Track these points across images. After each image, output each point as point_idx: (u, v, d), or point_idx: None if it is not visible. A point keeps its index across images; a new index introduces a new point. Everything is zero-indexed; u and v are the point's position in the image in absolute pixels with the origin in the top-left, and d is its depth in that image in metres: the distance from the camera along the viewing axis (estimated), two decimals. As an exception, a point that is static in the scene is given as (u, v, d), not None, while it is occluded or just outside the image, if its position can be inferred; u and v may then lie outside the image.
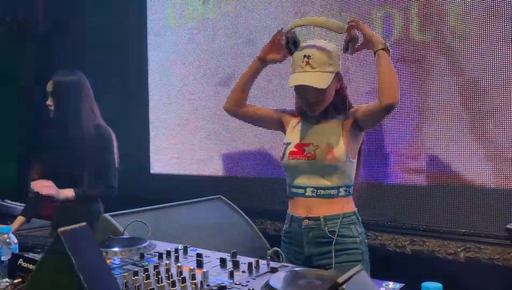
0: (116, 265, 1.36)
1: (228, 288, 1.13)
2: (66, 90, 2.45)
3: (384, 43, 1.71)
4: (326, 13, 2.71)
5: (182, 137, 3.55)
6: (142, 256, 1.45)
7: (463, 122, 2.31)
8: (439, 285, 0.86)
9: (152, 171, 3.76)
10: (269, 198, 2.99)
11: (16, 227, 2.42)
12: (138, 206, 2.28)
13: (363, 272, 0.58)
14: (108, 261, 1.40)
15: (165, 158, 3.69)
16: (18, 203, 2.84)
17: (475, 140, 2.27)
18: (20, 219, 2.49)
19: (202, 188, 3.09)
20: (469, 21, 2.27)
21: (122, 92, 3.70)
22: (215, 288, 1.07)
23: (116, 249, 1.48)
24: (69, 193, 2.38)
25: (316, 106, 1.81)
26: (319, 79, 1.73)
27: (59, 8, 4.09)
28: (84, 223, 0.80)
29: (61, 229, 0.73)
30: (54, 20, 4.15)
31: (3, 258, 1.42)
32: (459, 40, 2.30)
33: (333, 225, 1.77)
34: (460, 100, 2.31)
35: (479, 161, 2.26)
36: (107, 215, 2.02)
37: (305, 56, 1.75)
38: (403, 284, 1.04)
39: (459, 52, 2.31)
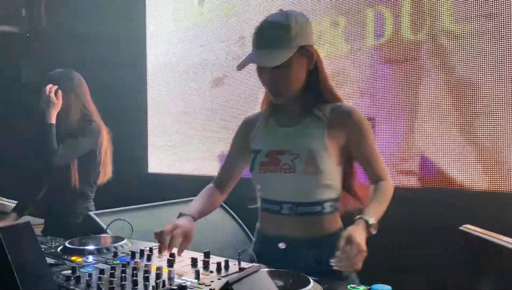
0: (87, 263, 1.36)
1: (190, 288, 1.12)
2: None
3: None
4: (318, 12, 2.69)
5: (180, 136, 3.56)
6: (115, 254, 1.45)
7: (454, 124, 2.27)
8: (388, 287, 0.84)
9: (150, 170, 3.78)
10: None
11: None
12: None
13: (260, 272, 0.56)
14: (80, 259, 1.41)
15: (163, 157, 3.70)
16: (11, 200, 2.86)
17: (466, 142, 2.24)
18: (12, 216, 2.52)
19: (201, 188, 3.07)
20: (462, 21, 2.24)
21: (121, 93, 3.72)
22: (175, 287, 1.07)
23: (90, 247, 1.49)
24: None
25: (279, 93, 1.49)
26: (267, 57, 1.42)
27: (58, 6, 4.14)
28: (27, 221, 0.80)
29: (0, 225, 0.73)
30: (52, 18, 4.19)
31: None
32: (451, 40, 2.27)
33: (317, 249, 1.47)
34: (451, 101, 2.28)
35: (470, 162, 2.23)
36: (91, 213, 2.02)
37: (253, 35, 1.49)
38: (363, 286, 1.03)
39: (451, 53, 2.27)
